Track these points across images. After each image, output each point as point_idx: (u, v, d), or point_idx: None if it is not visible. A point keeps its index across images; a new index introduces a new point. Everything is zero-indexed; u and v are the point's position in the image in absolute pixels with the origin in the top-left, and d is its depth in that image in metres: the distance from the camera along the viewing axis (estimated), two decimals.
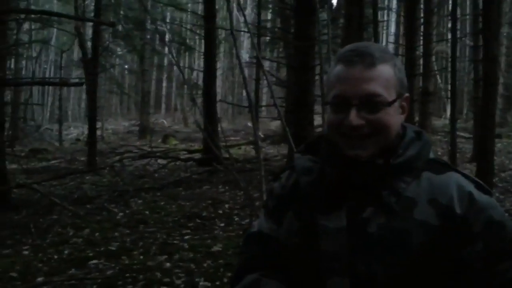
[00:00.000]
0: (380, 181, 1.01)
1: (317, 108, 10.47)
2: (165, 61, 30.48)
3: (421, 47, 14.90)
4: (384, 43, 27.21)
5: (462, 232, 0.96)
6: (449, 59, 14.54)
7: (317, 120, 10.15)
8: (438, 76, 24.61)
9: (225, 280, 4.20)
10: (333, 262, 1.00)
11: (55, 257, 5.00)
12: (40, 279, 4.34)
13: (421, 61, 15.28)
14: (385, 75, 1.00)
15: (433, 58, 19.65)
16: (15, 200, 7.70)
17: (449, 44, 18.10)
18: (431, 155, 1.06)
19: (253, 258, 1.16)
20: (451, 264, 0.97)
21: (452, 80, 9.06)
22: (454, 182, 1.01)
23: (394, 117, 1.02)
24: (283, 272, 1.10)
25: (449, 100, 16.01)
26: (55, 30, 26.10)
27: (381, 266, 0.97)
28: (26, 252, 5.21)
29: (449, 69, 13.44)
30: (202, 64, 12.54)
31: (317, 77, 9.53)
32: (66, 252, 5.17)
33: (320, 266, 1.01)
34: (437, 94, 23.61)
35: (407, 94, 1.07)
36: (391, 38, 27.48)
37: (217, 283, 4.18)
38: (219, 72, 18.44)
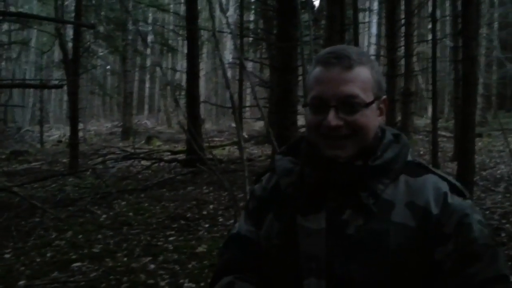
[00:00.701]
0: (359, 183, 1.02)
1: (300, 108, 10.52)
2: (148, 62, 30.27)
3: (403, 48, 15.06)
4: (365, 44, 27.47)
5: (436, 233, 0.98)
6: (430, 60, 14.70)
7: (301, 120, 10.21)
8: (419, 77, 24.90)
9: (210, 281, 4.19)
10: (311, 263, 1.01)
11: (38, 260, 4.95)
12: (22, 282, 4.29)
13: (403, 62, 15.45)
14: (363, 77, 1.02)
15: (414, 59, 19.85)
16: None
17: (429, 45, 18.32)
18: (409, 157, 1.08)
19: (231, 260, 1.17)
20: (428, 266, 0.98)
21: (433, 80, 9.15)
22: (431, 184, 1.02)
23: (371, 119, 1.03)
24: (259, 275, 1.11)
25: (430, 100, 16.20)
26: (35, 31, 25.74)
27: (358, 268, 0.98)
28: (7, 256, 5.14)
29: (430, 69, 13.58)
30: (185, 65, 12.47)
31: (300, 78, 9.58)
32: (48, 255, 5.12)
33: (298, 267, 1.02)
34: (418, 94, 23.91)
35: (384, 97, 1.08)
36: (373, 39, 27.71)
37: (202, 284, 4.18)
38: (202, 73, 18.38)
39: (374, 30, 28.39)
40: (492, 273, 0.95)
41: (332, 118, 0.99)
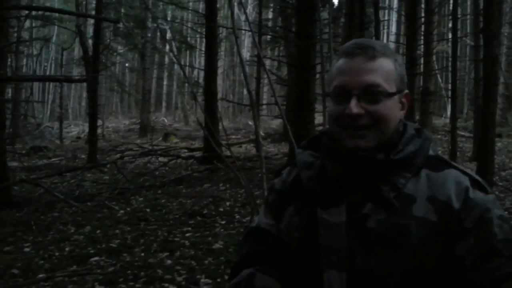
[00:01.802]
0: (380, 176, 1.02)
1: (318, 106, 10.49)
2: (166, 60, 30.47)
3: (422, 46, 14.91)
4: (385, 42, 27.20)
5: (457, 227, 0.97)
6: (450, 59, 14.55)
7: (318, 118, 10.17)
8: (438, 76, 24.61)
9: (226, 277, 4.21)
10: (332, 256, 1.01)
11: (56, 254, 5.02)
12: (41, 275, 4.35)
13: (422, 61, 15.29)
14: (386, 68, 1.02)
15: (434, 58, 19.64)
16: (16, 197, 7.72)
17: (449, 44, 18.11)
18: (431, 152, 1.07)
19: (251, 253, 1.17)
20: (449, 260, 0.97)
21: (453, 80, 9.06)
22: (453, 179, 1.01)
23: (393, 111, 1.03)
24: (278, 268, 1.11)
25: (449, 99, 16.01)
26: (56, 28, 26.10)
27: (379, 261, 0.97)
28: (27, 249, 5.23)
29: (450, 68, 13.43)
30: (203, 62, 12.55)
31: (318, 76, 9.54)
32: (67, 249, 5.19)
33: (319, 260, 1.02)
34: (437, 93, 23.61)
35: (406, 91, 1.08)
36: (392, 37, 27.46)
37: (218, 280, 4.20)
38: (219, 71, 18.44)
39: (393, 28, 28.15)
40: None
41: (354, 106, 0.99)
